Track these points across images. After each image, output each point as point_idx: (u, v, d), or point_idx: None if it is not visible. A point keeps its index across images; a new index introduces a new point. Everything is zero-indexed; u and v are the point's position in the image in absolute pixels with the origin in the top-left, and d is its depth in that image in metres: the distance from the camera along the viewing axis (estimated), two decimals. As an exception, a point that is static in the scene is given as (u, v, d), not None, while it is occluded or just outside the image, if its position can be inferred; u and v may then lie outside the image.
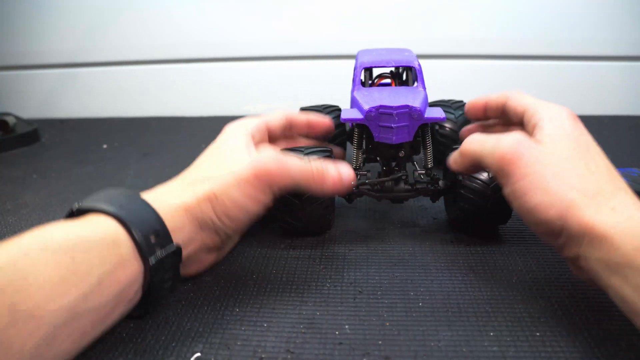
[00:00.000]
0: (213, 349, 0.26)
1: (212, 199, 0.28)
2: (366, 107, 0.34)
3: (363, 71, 0.39)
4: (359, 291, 0.30)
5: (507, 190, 0.27)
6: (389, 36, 0.73)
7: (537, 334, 0.26)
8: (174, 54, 0.79)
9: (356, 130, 0.36)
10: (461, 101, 0.46)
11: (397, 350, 0.25)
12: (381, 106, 0.33)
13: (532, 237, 0.36)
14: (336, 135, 0.45)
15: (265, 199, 0.30)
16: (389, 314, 0.28)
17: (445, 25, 0.73)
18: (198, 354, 0.25)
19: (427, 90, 0.38)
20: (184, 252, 0.27)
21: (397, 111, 0.33)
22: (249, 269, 0.33)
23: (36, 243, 0.22)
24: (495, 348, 0.25)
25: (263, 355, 0.25)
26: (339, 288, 0.31)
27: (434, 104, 0.45)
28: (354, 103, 0.37)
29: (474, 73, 0.75)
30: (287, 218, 0.35)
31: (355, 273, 0.32)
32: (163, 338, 0.27)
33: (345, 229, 0.38)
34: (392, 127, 0.34)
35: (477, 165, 0.30)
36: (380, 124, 0.34)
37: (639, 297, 0.21)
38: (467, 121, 0.44)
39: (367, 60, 0.39)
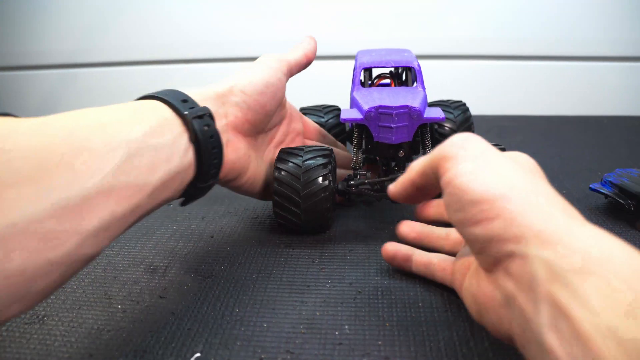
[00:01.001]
0: (213, 349, 0.26)
1: (234, 85, 0.33)
2: (366, 107, 0.34)
3: (363, 71, 0.39)
4: (359, 291, 0.30)
5: (445, 175, 0.23)
6: (389, 36, 0.73)
7: (537, 334, 0.26)
8: (174, 54, 0.79)
9: (356, 130, 0.36)
10: (460, 101, 0.46)
11: (397, 350, 0.25)
12: (380, 106, 0.33)
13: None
14: (335, 135, 0.45)
15: (285, 79, 0.36)
16: (389, 314, 0.28)
17: (445, 25, 0.73)
18: (198, 354, 0.25)
19: (426, 90, 0.38)
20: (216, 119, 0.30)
21: (397, 111, 0.33)
22: (248, 269, 0.33)
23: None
24: (495, 348, 0.25)
25: (263, 355, 0.25)
26: (339, 288, 0.31)
27: (433, 104, 0.45)
28: (354, 103, 0.37)
29: (474, 73, 0.75)
30: (287, 215, 0.35)
31: (355, 273, 0.32)
32: (163, 338, 0.27)
33: (345, 229, 0.38)
34: (391, 127, 0.34)
35: (425, 174, 0.25)
36: (380, 124, 0.34)
37: (602, 334, 0.15)
38: (466, 120, 0.44)
39: (366, 61, 0.39)
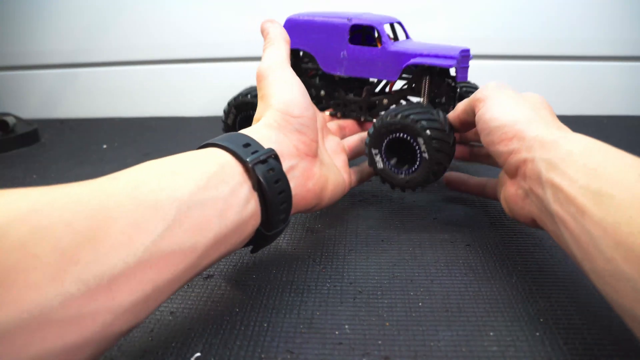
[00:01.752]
0: (213, 349, 0.26)
1: (280, 106, 0.31)
2: (453, 52, 0.37)
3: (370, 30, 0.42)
4: (359, 291, 0.30)
5: (479, 111, 0.32)
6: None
7: (537, 334, 0.26)
8: (174, 54, 0.79)
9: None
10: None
11: (397, 350, 0.25)
12: (462, 50, 0.37)
13: (532, 237, 0.36)
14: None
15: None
16: (389, 314, 0.28)
17: (445, 25, 0.73)
18: (198, 354, 0.25)
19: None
20: (280, 151, 0.29)
21: (464, 54, 0.38)
22: (248, 269, 0.33)
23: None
24: (495, 348, 0.25)
25: (263, 355, 0.25)
26: (339, 288, 0.31)
27: None
28: (410, 52, 0.38)
29: (474, 73, 0.75)
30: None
31: (355, 273, 0.32)
32: (163, 338, 0.27)
33: (345, 228, 0.38)
34: (467, 67, 0.39)
35: (467, 111, 0.34)
36: (462, 65, 0.38)
37: (577, 190, 0.23)
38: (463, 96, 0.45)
39: (366, 18, 0.40)
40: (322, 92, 0.44)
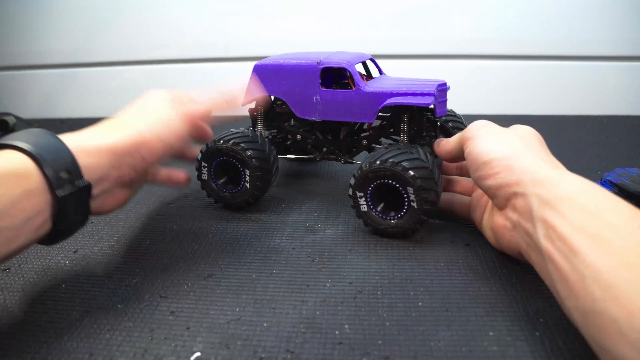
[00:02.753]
0: (213, 349, 0.26)
1: (139, 141, 0.32)
2: (429, 89, 0.36)
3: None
4: (359, 291, 0.30)
5: (467, 148, 0.33)
6: (389, 36, 0.73)
7: (537, 333, 0.26)
8: (173, 54, 0.79)
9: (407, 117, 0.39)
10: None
11: (397, 350, 0.25)
12: (439, 85, 0.37)
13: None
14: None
15: (186, 134, 0.36)
16: (389, 314, 0.28)
17: (445, 25, 0.73)
18: (198, 354, 0.25)
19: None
20: (99, 187, 0.29)
21: (441, 88, 0.38)
22: (248, 268, 0.33)
23: None
24: (495, 348, 0.25)
25: (263, 355, 0.25)
26: (339, 287, 0.31)
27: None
28: (387, 92, 0.38)
29: (474, 73, 0.75)
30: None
31: (356, 273, 0.32)
32: (163, 338, 0.27)
33: (345, 228, 0.39)
34: (445, 101, 0.39)
35: (457, 148, 0.36)
36: (440, 100, 0.38)
37: (572, 230, 0.23)
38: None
39: (336, 60, 0.39)
40: (299, 137, 0.43)
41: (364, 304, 0.29)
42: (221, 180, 0.41)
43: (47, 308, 0.30)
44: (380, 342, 0.26)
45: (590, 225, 0.23)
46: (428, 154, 0.36)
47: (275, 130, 0.45)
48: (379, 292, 0.30)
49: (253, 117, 0.44)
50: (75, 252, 0.36)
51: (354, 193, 0.37)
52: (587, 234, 0.23)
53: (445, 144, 0.37)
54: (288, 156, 0.45)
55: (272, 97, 0.43)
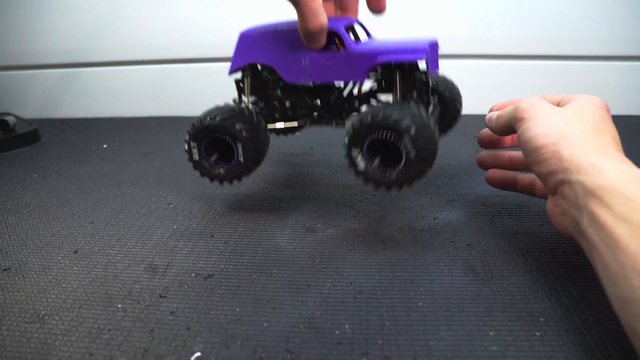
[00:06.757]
0: (213, 349, 0.26)
1: None
2: (422, 45, 0.36)
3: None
4: (359, 291, 0.30)
5: (518, 131, 0.33)
6: (389, 36, 0.73)
7: (537, 333, 0.26)
8: (173, 54, 0.79)
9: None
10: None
11: (397, 350, 0.25)
12: (431, 43, 0.37)
13: (533, 237, 0.36)
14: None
15: None
16: (389, 314, 0.28)
17: (445, 25, 0.73)
18: (198, 354, 0.25)
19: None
20: None
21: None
22: (248, 268, 0.33)
23: None
24: (495, 348, 0.25)
25: (263, 355, 0.25)
26: (339, 288, 0.31)
27: None
28: (374, 48, 0.37)
29: (474, 73, 0.75)
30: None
31: (356, 273, 0.32)
32: (163, 338, 0.27)
33: (345, 228, 0.39)
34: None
35: (508, 126, 0.35)
36: (432, 57, 0.38)
37: (614, 220, 0.23)
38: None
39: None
40: (287, 103, 0.43)
41: (364, 304, 0.29)
42: (213, 158, 0.41)
43: (47, 308, 0.30)
44: (380, 342, 0.26)
45: (634, 215, 0.23)
46: (423, 108, 0.35)
47: (262, 103, 0.45)
48: (379, 292, 0.30)
49: (239, 88, 0.44)
50: (75, 252, 0.36)
51: (349, 151, 0.36)
52: (629, 224, 0.23)
53: (497, 121, 0.37)
54: (277, 125, 0.44)
55: (259, 67, 0.43)
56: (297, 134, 0.54)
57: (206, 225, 0.40)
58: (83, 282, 0.32)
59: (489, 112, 0.39)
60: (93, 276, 0.33)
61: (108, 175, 0.53)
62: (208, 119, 0.39)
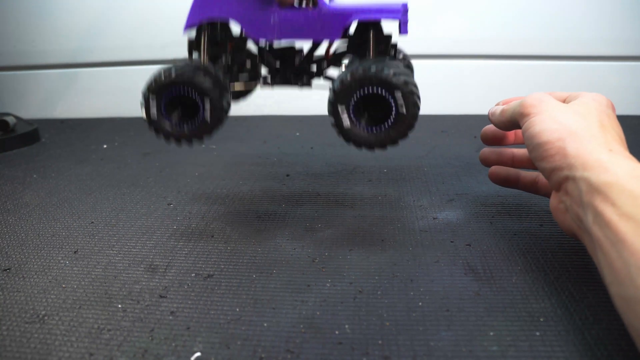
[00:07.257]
0: (213, 349, 0.26)
1: None
2: (397, 5, 0.35)
3: None
4: (359, 291, 0.30)
5: (523, 126, 0.33)
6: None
7: (537, 333, 0.26)
8: (173, 54, 0.79)
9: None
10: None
11: (397, 350, 0.25)
12: (404, 4, 0.36)
13: (533, 237, 0.36)
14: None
15: None
16: (389, 314, 0.28)
17: (445, 25, 0.73)
18: (198, 354, 0.25)
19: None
20: None
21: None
22: (248, 268, 0.33)
23: None
24: (495, 348, 0.25)
25: (263, 355, 0.25)
26: (339, 288, 0.31)
27: None
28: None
29: (474, 73, 0.75)
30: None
31: (355, 273, 0.32)
32: (163, 338, 0.27)
33: (345, 228, 0.38)
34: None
35: (513, 121, 0.35)
36: (404, 20, 0.37)
37: (619, 217, 0.23)
38: None
39: None
40: (248, 64, 0.40)
41: (364, 304, 0.29)
42: (174, 116, 0.38)
43: (47, 308, 0.30)
44: (380, 342, 0.26)
45: (639, 212, 0.23)
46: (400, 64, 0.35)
47: (218, 62, 0.42)
48: (379, 292, 0.30)
49: (192, 47, 0.40)
50: (75, 252, 0.36)
51: (334, 108, 0.34)
52: (635, 222, 0.23)
53: (501, 115, 0.36)
54: (236, 85, 0.41)
55: (218, 24, 0.40)
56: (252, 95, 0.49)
57: (206, 225, 0.40)
58: (83, 282, 0.32)
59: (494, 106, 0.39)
60: (93, 276, 0.33)
61: (108, 175, 0.53)
62: (174, 73, 0.36)
